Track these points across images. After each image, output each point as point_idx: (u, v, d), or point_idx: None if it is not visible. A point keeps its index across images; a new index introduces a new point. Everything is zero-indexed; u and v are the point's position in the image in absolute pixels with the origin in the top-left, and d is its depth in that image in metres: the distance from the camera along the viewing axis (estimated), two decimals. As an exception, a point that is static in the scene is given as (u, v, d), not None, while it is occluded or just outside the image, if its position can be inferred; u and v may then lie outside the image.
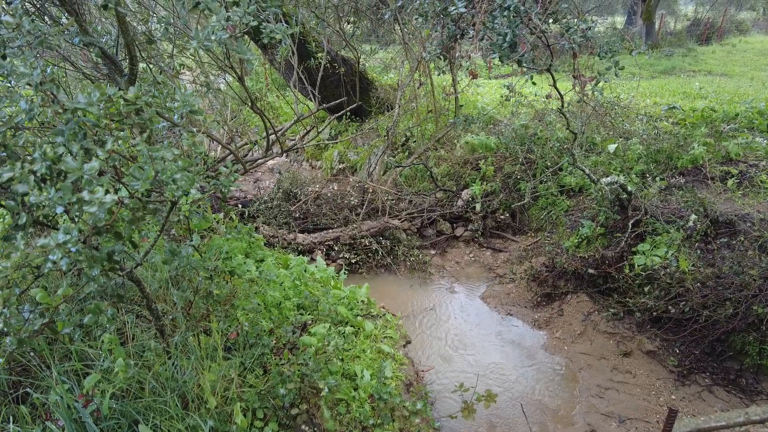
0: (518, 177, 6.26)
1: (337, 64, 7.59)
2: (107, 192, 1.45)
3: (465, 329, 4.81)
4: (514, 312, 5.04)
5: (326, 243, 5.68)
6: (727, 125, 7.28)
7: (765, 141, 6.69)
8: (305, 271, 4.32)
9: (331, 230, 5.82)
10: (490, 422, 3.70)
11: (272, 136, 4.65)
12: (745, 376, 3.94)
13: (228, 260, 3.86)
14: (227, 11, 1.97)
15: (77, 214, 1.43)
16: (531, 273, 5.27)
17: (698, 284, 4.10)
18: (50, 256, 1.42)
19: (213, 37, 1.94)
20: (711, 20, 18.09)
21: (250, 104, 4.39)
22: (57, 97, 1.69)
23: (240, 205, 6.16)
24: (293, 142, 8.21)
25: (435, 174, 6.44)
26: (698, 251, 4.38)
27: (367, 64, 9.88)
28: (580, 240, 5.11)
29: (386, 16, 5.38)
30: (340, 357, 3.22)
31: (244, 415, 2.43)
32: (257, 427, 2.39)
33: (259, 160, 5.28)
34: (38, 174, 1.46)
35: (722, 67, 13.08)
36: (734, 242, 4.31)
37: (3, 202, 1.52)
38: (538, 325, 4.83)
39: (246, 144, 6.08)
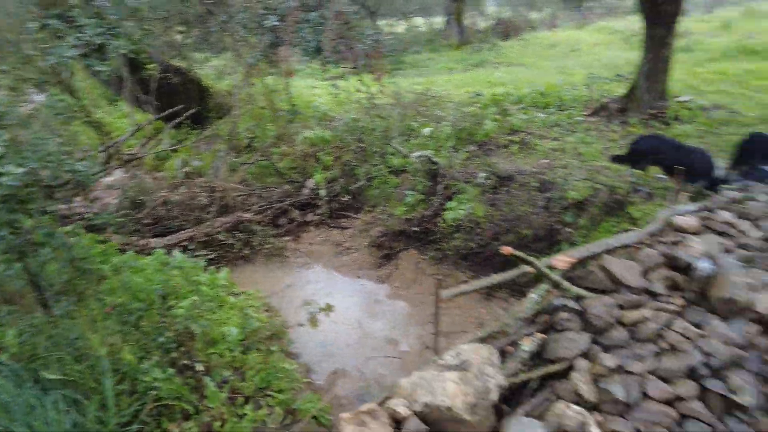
0: (354, 163, 7.47)
1: (171, 74, 8.02)
2: None
3: (322, 294, 5.80)
4: (361, 275, 6.20)
5: (182, 243, 6.20)
6: (517, 105, 9.45)
7: (542, 115, 8.90)
8: (165, 263, 4.88)
9: (184, 231, 6.35)
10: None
11: (109, 150, 5.09)
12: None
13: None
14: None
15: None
16: (371, 241, 6.48)
17: (489, 224, 5.67)
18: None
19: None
20: (510, 19, 21.94)
21: (84, 117, 4.80)
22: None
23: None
24: (131, 155, 8.39)
25: (280, 168, 7.35)
26: (489, 200, 5.99)
27: (202, 72, 10.35)
28: (407, 208, 6.46)
29: (212, 30, 6.13)
30: (208, 320, 3.93)
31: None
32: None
33: (98, 174, 5.62)
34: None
35: (519, 59, 16.18)
36: (512, 190, 6.00)
37: None
38: (382, 280, 6.05)
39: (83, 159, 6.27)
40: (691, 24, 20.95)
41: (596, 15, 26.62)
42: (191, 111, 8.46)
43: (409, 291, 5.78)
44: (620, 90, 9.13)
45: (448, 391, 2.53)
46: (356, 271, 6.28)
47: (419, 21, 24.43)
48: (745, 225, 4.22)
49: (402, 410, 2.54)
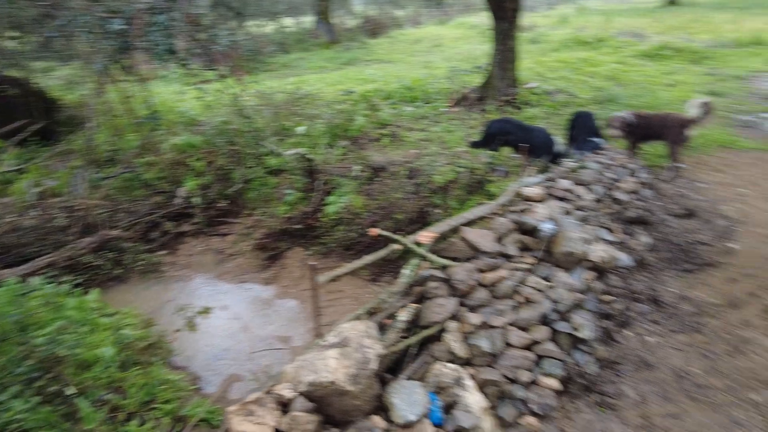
0: (229, 167, 7.32)
1: (7, 86, 7.20)
2: None
3: (207, 303, 5.65)
4: (247, 279, 6.14)
5: (40, 271, 5.64)
6: (386, 101, 9.88)
7: (410, 108, 9.42)
8: (21, 293, 4.43)
9: (42, 257, 5.78)
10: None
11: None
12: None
13: None
14: None
15: None
16: (255, 244, 6.44)
17: (368, 213, 5.95)
18: None
19: None
20: (377, 18, 22.71)
21: None
22: None
23: None
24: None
25: (147, 179, 6.96)
26: (365, 191, 6.27)
27: (48, 83, 9.40)
28: (288, 206, 6.51)
29: (47, 34, 5.64)
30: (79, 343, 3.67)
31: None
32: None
33: None
34: None
35: (388, 56, 16.86)
36: (385, 180, 6.33)
37: None
38: (269, 282, 6.05)
39: None
40: (536, 19, 23.40)
41: (456, 11, 28.51)
42: (36, 126, 7.67)
43: (297, 288, 5.85)
44: (478, 80, 9.97)
45: (330, 366, 2.69)
46: (241, 276, 6.20)
47: (288, 21, 24.29)
48: (580, 190, 4.93)
49: (287, 393, 2.65)
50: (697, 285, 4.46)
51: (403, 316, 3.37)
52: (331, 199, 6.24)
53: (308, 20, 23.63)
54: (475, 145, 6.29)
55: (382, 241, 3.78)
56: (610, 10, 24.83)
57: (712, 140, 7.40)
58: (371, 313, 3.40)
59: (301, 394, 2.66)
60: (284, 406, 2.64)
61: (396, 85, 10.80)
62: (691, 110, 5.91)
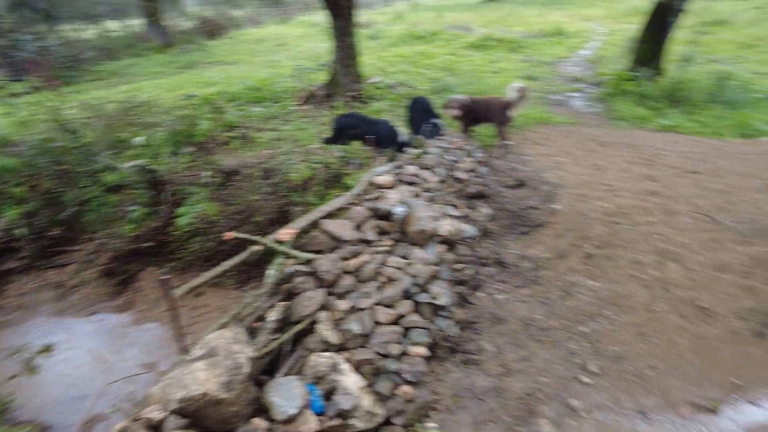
0: (58, 190, 6.50)
1: None
2: None
3: (48, 341, 5.00)
4: (97, 309, 5.56)
5: None
6: (232, 103, 9.56)
7: (258, 109, 9.24)
8: None
9: None
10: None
11: None
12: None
13: None
14: None
15: None
16: (101, 270, 5.84)
17: (225, 219, 5.75)
18: None
19: None
20: (213, 18, 21.70)
21: None
22: None
23: None
24: None
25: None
26: (219, 198, 6.04)
27: None
28: (134, 224, 6.01)
29: None
30: None
31: None
32: None
33: None
34: None
35: (230, 57, 16.27)
36: (239, 183, 6.17)
37: None
38: (123, 309, 5.55)
39: None
40: (374, 16, 24.41)
41: (296, 10, 28.44)
42: None
43: (156, 311, 5.45)
44: (324, 78, 10.14)
45: (200, 379, 2.60)
46: (90, 308, 5.59)
47: (113, 25, 22.05)
48: (425, 174, 5.32)
49: (157, 414, 2.51)
50: (533, 244, 5.12)
51: (273, 315, 3.36)
52: (181, 210, 5.90)
53: (137, 23, 21.73)
54: (328, 141, 6.43)
55: (245, 246, 3.71)
56: (440, 6, 26.91)
57: (532, 118, 8.49)
58: (239, 319, 3.34)
59: (173, 412, 2.53)
60: (156, 429, 2.49)
61: (241, 87, 10.51)
62: (511, 94, 6.72)
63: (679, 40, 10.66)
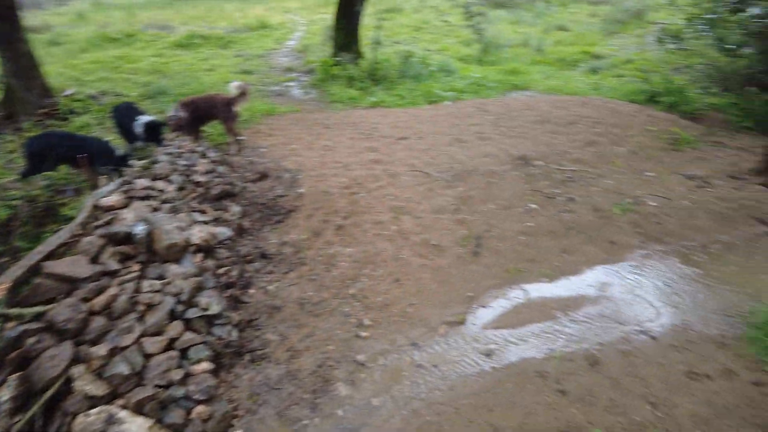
0: None
1: None
2: None
3: None
4: None
5: None
6: None
7: None
8: None
9: None
10: None
11: None
12: None
13: None
14: None
15: None
16: None
17: None
18: None
19: None
20: None
21: None
22: None
23: None
24: None
25: None
26: None
27: None
28: None
29: None
30: None
31: None
32: None
33: None
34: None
35: None
36: None
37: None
38: None
39: None
40: (49, 17, 20.73)
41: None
42: None
43: None
44: (-4, 97, 8.28)
45: None
46: None
47: None
48: (160, 184, 4.95)
49: None
50: (289, 229, 5.31)
51: (5, 394, 2.73)
52: None
53: None
54: (26, 173, 5.30)
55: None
56: (129, 4, 24.45)
57: (257, 111, 8.65)
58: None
59: None
60: None
61: None
62: (233, 91, 6.70)
63: (368, 26, 12.21)
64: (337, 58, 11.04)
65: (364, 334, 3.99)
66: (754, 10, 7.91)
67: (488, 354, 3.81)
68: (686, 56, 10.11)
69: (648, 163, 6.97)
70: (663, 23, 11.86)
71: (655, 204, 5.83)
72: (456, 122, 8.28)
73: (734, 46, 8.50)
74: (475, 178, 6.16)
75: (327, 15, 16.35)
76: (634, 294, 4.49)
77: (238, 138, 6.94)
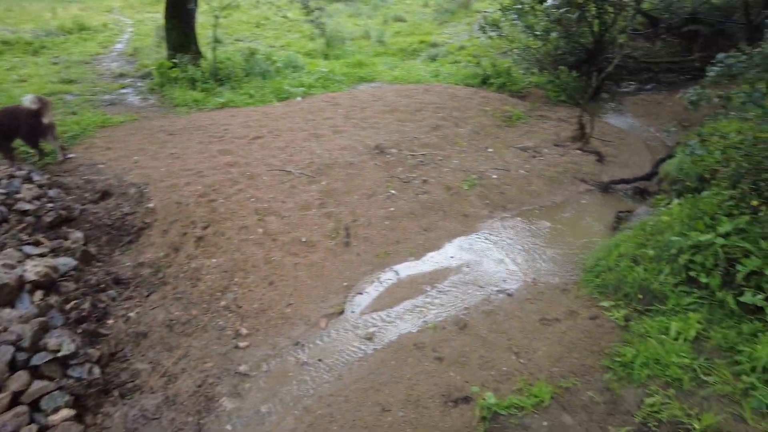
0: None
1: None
2: None
3: None
4: None
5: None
6: None
7: None
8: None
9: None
10: None
11: None
12: None
13: None
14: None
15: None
16: None
17: None
18: None
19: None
20: None
21: None
22: None
23: None
24: None
25: None
26: None
27: None
28: None
29: None
30: None
31: None
32: None
33: None
34: None
35: None
36: None
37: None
38: None
39: None
40: None
41: None
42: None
43: None
44: None
45: None
46: None
47: None
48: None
49: None
50: (144, 249, 4.91)
51: None
52: None
53: None
54: None
55: None
56: None
57: (89, 123, 7.76)
58: None
59: None
60: None
61: None
62: (32, 105, 5.91)
63: (205, 24, 11.59)
64: (175, 60, 10.34)
65: (242, 344, 3.89)
66: (551, 0, 9.14)
67: (369, 338, 3.97)
68: (507, 42, 11.30)
69: (487, 140, 7.72)
70: (486, 12, 13.09)
71: (496, 176, 6.50)
72: (310, 117, 8.31)
73: (542, 33, 9.74)
74: (336, 171, 6.28)
75: (157, 14, 15.15)
76: (490, 258, 5.00)
77: (68, 156, 6.21)
